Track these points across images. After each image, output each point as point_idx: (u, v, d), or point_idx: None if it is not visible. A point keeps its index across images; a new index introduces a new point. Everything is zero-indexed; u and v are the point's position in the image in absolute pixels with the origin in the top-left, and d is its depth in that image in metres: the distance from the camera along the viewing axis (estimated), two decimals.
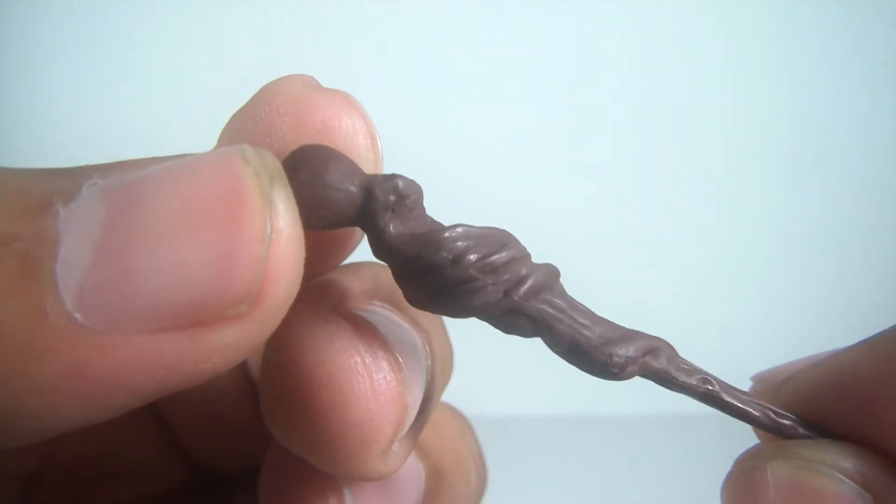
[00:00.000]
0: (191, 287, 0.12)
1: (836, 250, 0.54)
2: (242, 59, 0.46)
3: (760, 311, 0.55)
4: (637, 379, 0.15)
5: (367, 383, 0.15)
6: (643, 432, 0.50)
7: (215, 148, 0.15)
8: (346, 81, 0.16)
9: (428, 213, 0.15)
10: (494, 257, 0.14)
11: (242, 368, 0.21)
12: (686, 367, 0.15)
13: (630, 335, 0.14)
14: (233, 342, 0.12)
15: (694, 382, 0.15)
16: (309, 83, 0.15)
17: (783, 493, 0.14)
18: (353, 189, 0.14)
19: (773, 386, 0.16)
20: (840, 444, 0.14)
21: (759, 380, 0.17)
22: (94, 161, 0.14)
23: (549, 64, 0.51)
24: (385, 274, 0.17)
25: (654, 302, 0.52)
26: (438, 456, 0.20)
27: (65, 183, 0.12)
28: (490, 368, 0.44)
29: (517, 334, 0.15)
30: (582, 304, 0.15)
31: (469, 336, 0.20)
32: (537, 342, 0.15)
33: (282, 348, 0.15)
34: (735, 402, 0.15)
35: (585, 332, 0.14)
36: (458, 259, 0.14)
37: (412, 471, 0.19)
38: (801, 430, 0.15)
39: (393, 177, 0.14)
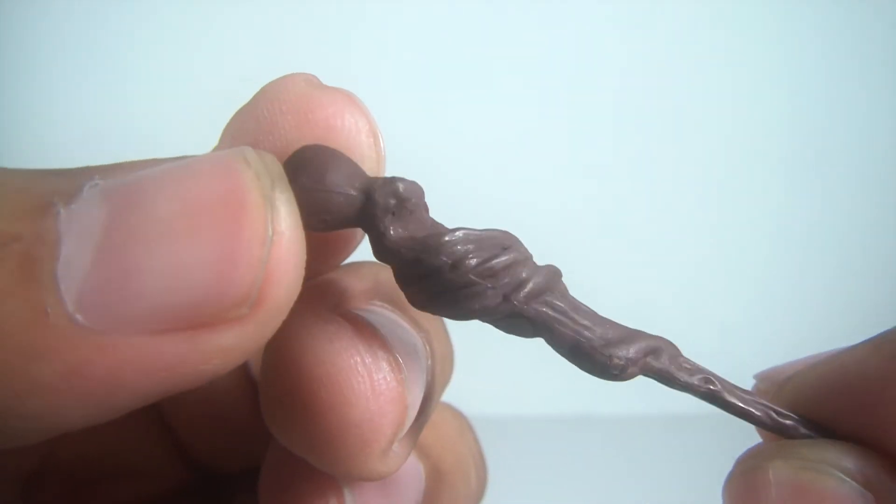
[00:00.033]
0: (191, 289, 0.12)
1: (838, 249, 0.54)
2: (243, 59, 0.46)
3: (764, 309, 0.55)
4: (638, 379, 0.15)
5: (367, 383, 0.15)
6: (643, 432, 0.50)
7: (217, 146, 0.16)
8: (348, 81, 0.16)
9: (431, 212, 0.15)
10: (494, 261, 0.14)
11: (243, 368, 0.21)
12: (688, 366, 0.15)
13: (632, 335, 0.14)
14: (233, 344, 0.12)
15: (696, 382, 0.15)
16: (311, 82, 0.15)
17: (784, 492, 0.14)
18: (354, 192, 0.14)
19: (776, 385, 0.16)
20: (842, 443, 0.14)
21: (761, 378, 0.17)
22: (95, 161, 0.14)
23: (550, 64, 0.51)
24: (385, 274, 0.17)
25: (657, 301, 0.52)
26: (439, 456, 0.20)
27: (66, 183, 0.12)
28: (490, 368, 0.44)
29: (519, 335, 0.15)
30: (584, 305, 0.15)
31: (469, 336, 0.20)
32: (537, 342, 0.15)
33: (282, 348, 0.15)
34: (737, 402, 0.15)
35: (586, 333, 0.14)
36: (457, 264, 0.14)
37: (412, 471, 0.19)
38: (802, 430, 0.15)
39: (393, 180, 0.14)
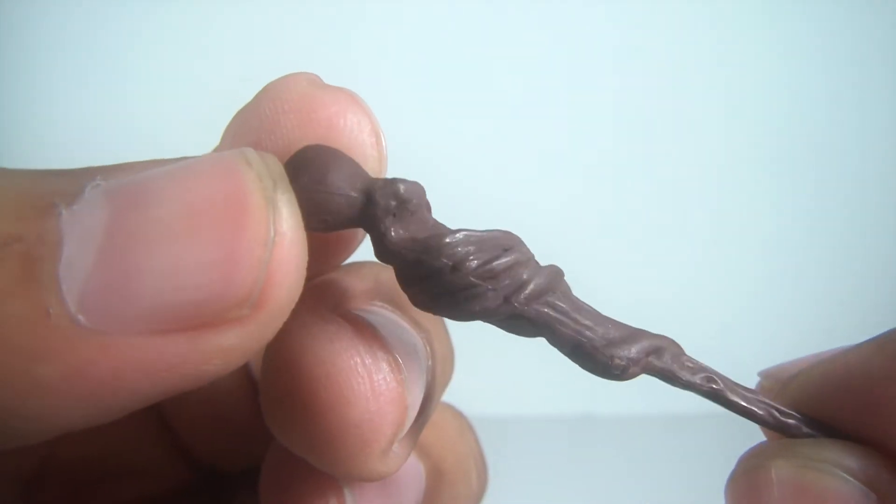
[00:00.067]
0: (193, 289, 0.12)
1: (842, 246, 0.54)
2: (245, 59, 0.46)
3: (769, 306, 0.55)
4: (639, 378, 0.15)
5: (366, 384, 0.15)
6: (643, 432, 0.50)
7: (219, 145, 0.16)
8: (350, 81, 0.16)
9: (433, 211, 0.14)
10: (495, 263, 0.14)
11: (244, 369, 0.21)
12: (691, 365, 0.15)
13: (634, 335, 0.14)
14: (234, 344, 0.12)
15: (698, 381, 0.15)
16: (314, 81, 0.15)
17: (787, 491, 0.14)
18: (354, 194, 0.14)
19: (780, 382, 0.16)
20: (844, 443, 0.14)
21: (766, 376, 0.17)
22: (96, 161, 0.14)
23: (552, 64, 0.51)
24: (386, 274, 0.17)
25: (661, 299, 0.52)
26: (439, 456, 0.20)
27: (68, 184, 0.12)
28: (490, 369, 0.44)
29: (521, 335, 0.15)
30: (586, 305, 0.15)
31: (470, 336, 0.20)
32: (537, 342, 0.15)
33: (282, 348, 0.15)
34: (739, 401, 0.15)
35: (588, 333, 0.14)
36: (457, 266, 0.14)
37: (413, 471, 0.19)
38: (805, 429, 0.15)
39: (394, 181, 0.14)
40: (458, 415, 0.22)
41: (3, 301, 0.11)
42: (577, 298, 0.15)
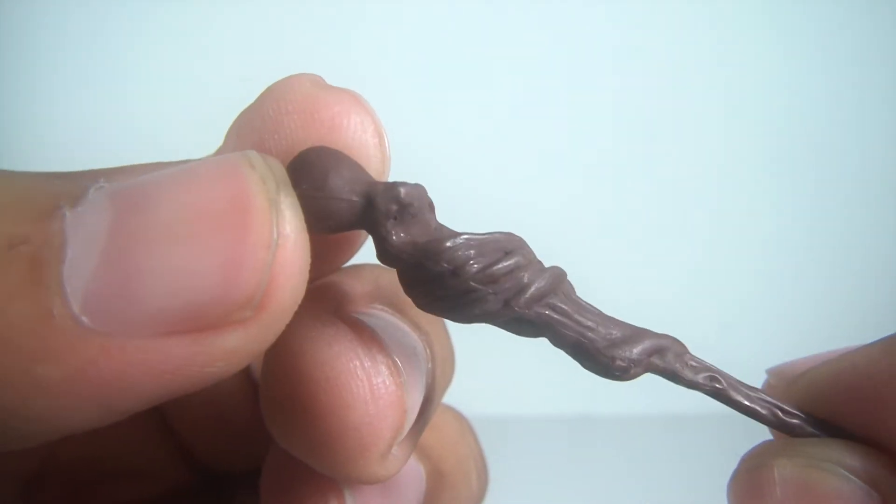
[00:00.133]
0: (196, 291, 0.12)
1: (846, 245, 0.54)
2: (247, 60, 0.46)
3: (776, 304, 0.55)
4: (640, 378, 0.15)
5: (366, 387, 0.15)
6: (643, 432, 0.50)
7: (222, 146, 0.16)
8: (352, 81, 0.16)
9: (436, 211, 0.14)
10: (495, 267, 0.14)
11: (245, 370, 0.21)
12: (694, 364, 0.15)
13: (636, 335, 0.14)
14: (237, 346, 0.12)
15: (701, 380, 0.15)
16: (317, 82, 0.15)
17: (790, 490, 0.14)
18: (355, 198, 0.14)
19: (787, 381, 0.16)
20: (848, 442, 0.14)
21: (773, 373, 0.17)
22: (97, 162, 0.14)
23: (553, 64, 0.51)
24: (386, 276, 0.17)
25: (666, 297, 0.52)
26: (439, 457, 0.20)
27: (72, 186, 0.12)
28: (490, 369, 0.44)
29: (523, 335, 0.15)
30: (589, 305, 0.15)
31: (470, 337, 0.20)
32: (537, 343, 0.15)
33: (282, 351, 0.15)
34: (742, 400, 0.15)
35: (590, 334, 0.14)
36: (457, 270, 0.14)
37: (413, 472, 0.19)
38: (809, 429, 0.15)
39: (394, 185, 0.14)
40: (459, 416, 0.22)
41: (8, 302, 0.11)
42: (579, 299, 0.15)
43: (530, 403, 0.52)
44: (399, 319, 0.16)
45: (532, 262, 0.14)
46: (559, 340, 0.14)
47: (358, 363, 0.15)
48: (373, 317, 0.16)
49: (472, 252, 0.14)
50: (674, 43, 0.51)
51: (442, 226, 0.14)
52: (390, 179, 0.15)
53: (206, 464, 0.22)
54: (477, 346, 0.24)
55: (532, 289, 0.14)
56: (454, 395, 0.20)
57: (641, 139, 0.52)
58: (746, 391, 0.15)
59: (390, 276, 0.15)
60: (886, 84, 0.52)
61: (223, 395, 0.21)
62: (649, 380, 0.15)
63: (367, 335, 0.15)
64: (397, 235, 0.14)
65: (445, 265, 0.14)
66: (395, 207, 0.14)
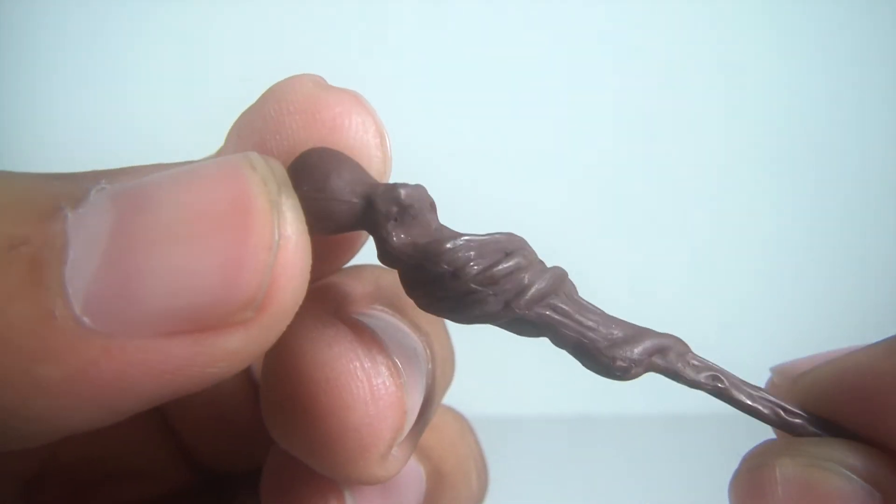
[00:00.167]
0: (197, 292, 0.12)
1: (848, 244, 0.54)
2: (248, 61, 0.46)
3: (780, 303, 0.55)
4: (640, 378, 0.15)
5: (365, 388, 0.15)
6: (643, 432, 0.50)
7: (223, 146, 0.16)
8: (354, 82, 0.16)
9: (438, 211, 0.14)
10: (496, 269, 0.14)
11: (246, 371, 0.21)
12: (696, 363, 0.15)
13: (638, 335, 0.14)
14: (239, 347, 0.12)
15: (702, 379, 0.15)
16: (318, 82, 0.15)
17: (791, 490, 0.14)
18: (355, 200, 0.14)
19: (790, 379, 0.16)
20: (850, 442, 0.14)
21: (777, 372, 0.17)
22: (97, 163, 0.14)
23: (554, 64, 0.51)
24: (387, 277, 0.17)
25: (669, 296, 0.52)
26: (440, 458, 0.20)
27: (73, 187, 0.12)
28: (490, 369, 0.44)
29: (524, 335, 0.15)
30: (591, 305, 0.15)
31: (470, 337, 0.20)
32: (538, 343, 0.15)
33: (282, 352, 0.15)
34: (744, 399, 0.15)
35: (590, 334, 0.14)
36: (457, 272, 0.14)
37: (413, 473, 0.19)
38: (811, 428, 0.15)
39: (395, 186, 0.14)
40: (459, 417, 0.22)
41: (9, 302, 0.11)
42: (581, 299, 0.15)
43: (530, 403, 0.52)
44: (399, 320, 0.16)
45: (533, 262, 0.14)
46: (560, 341, 0.14)
47: (358, 364, 0.15)
48: (373, 318, 0.16)
49: (472, 253, 0.14)
50: (674, 43, 0.51)
51: (443, 226, 0.14)
52: (392, 179, 0.15)
53: (206, 464, 0.22)
54: (477, 346, 0.24)
55: (532, 290, 0.14)
56: (454, 396, 0.20)
57: (642, 139, 0.52)
58: (749, 390, 0.15)
59: (391, 277, 0.15)
60: (886, 84, 0.52)
61: (224, 395, 0.21)
62: (650, 380, 0.15)
63: (367, 336, 0.15)
64: (398, 237, 0.14)
65: (446, 267, 0.14)
66: (395, 209, 0.14)
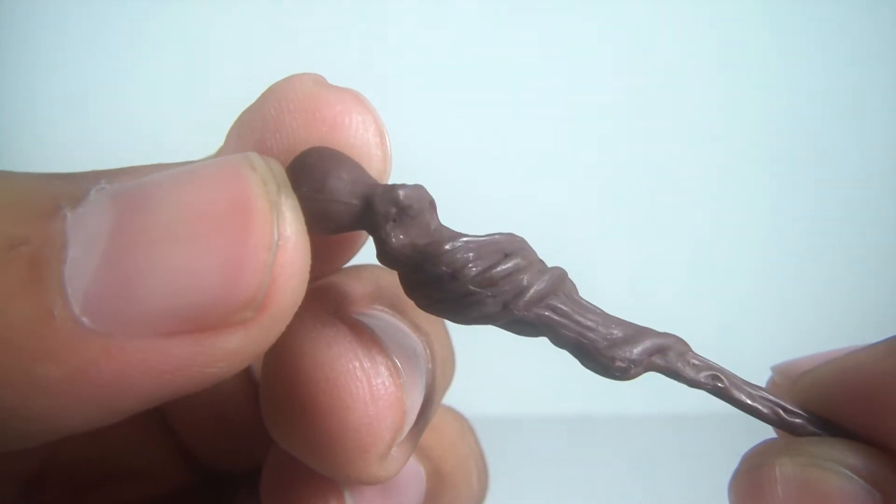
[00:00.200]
0: (197, 292, 0.12)
1: (849, 244, 0.54)
2: (248, 60, 0.46)
3: (782, 301, 0.55)
4: (640, 378, 0.15)
5: (365, 388, 0.15)
6: (643, 432, 0.50)
7: (223, 145, 0.16)
8: (354, 81, 0.16)
9: (438, 210, 0.14)
10: (495, 270, 0.14)
11: (246, 371, 0.21)
12: (696, 362, 0.15)
13: (638, 335, 0.14)
14: (238, 347, 0.12)
15: (702, 379, 0.15)
16: (319, 81, 0.15)
17: (791, 489, 0.14)
18: (354, 201, 0.14)
19: (791, 379, 0.16)
20: (850, 442, 0.14)
21: (778, 371, 0.17)
22: (97, 163, 0.14)
23: (555, 64, 0.51)
24: (386, 277, 0.17)
25: (671, 296, 0.52)
26: (440, 458, 0.20)
27: (73, 187, 0.12)
28: (490, 369, 0.44)
29: (524, 335, 0.15)
30: (591, 305, 0.15)
31: (470, 337, 0.20)
32: (537, 343, 0.15)
33: (282, 352, 0.15)
34: (745, 399, 0.15)
35: (590, 334, 0.14)
36: (456, 274, 0.14)
37: (413, 473, 0.19)
38: (811, 428, 0.15)
39: (393, 188, 0.14)
40: (459, 417, 0.22)
41: (8, 302, 0.11)
42: (581, 299, 0.15)
43: (530, 403, 0.52)
44: (399, 320, 0.16)
45: (532, 263, 0.14)
46: (560, 341, 0.14)
47: (357, 364, 0.15)
48: (373, 318, 0.16)
49: (470, 255, 0.14)
50: (674, 43, 0.51)
51: (442, 227, 0.14)
52: (392, 178, 0.15)
53: (206, 464, 0.22)
54: (477, 346, 0.24)
55: (531, 291, 0.14)
56: (454, 396, 0.20)
57: (642, 139, 0.52)
58: (749, 390, 0.15)
59: (390, 277, 0.15)
60: (886, 84, 0.52)
61: (224, 395, 0.21)
62: (650, 380, 0.15)
63: (366, 336, 0.15)
64: (396, 238, 0.14)
65: (444, 268, 0.14)
66: (394, 210, 0.14)
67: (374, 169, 0.15)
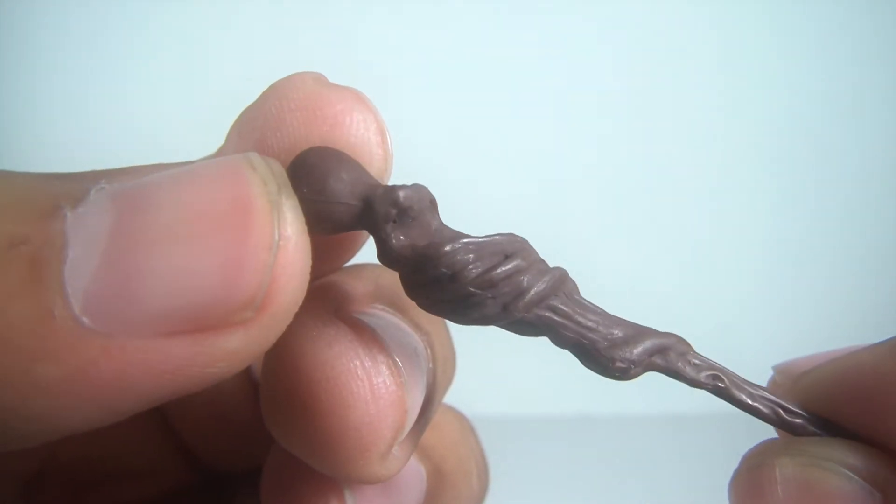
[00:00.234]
0: (197, 292, 0.12)
1: (850, 244, 0.54)
2: (249, 59, 0.46)
3: (783, 301, 0.55)
4: (640, 378, 0.15)
5: (366, 387, 0.15)
6: (643, 432, 0.51)
7: (224, 144, 0.16)
8: (355, 80, 0.16)
9: (440, 210, 0.14)
10: (495, 272, 0.14)
11: (246, 371, 0.21)
12: (697, 362, 0.15)
13: (639, 335, 0.14)
14: (238, 347, 0.12)
15: (703, 379, 0.15)
16: (320, 80, 0.15)
17: (791, 489, 0.14)
18: (354, 202, 0.14)
19: (792, 378, 0.16)
20: (850, 442, 0.14)
21: (779, 371, 0.17)
22: (97, 162, 0.14)
23: (555, 64, 0.51)
24: (387, 276, 0.17)
25: (671, 295, 0.52)
26: (440, 457, 0.20)
27: (73, 187, 0.12)
28: (491, 369, 0.44)
29: (525, 335, 0.15)
30: (592, 305, 0.15)
31: (471, 336, 0.20)
32: (537, 343, 0.15)
33: (282, 352, 0.15)
34: (745, 399, 0.15)
35: (590, 334, 0.14)
36: (456, 276, 0.13)
37: (414, 472, 0.19)
38: (811, 428, 0.15)
39: (393, 189, 0.14)
40: (460, 416, 0.22)
41: (8, 302, 0.11)
42: (581, 299, 0.15)
43: (530, 403, 0.52)
44: (400, 319, 0.16)
45: (533, 264, 0.14)
46: (560, 341, 0.14)
47: (358, 363, 0.15)
48: (373, 317, 0.16)
49: (471, 256, 0.14)
50: (674, 43, 0.51)
51: (444, 226, 0.14)
52: (392, 178, 0.15)
53: (207, 464, 0.22)
54: (477, 346, 0.24)
55: (531, 293, 0.14)
56: (455, 395, 0.20)
57: (643, 139, 0.52)
58: (749, 389, 0.15)
59: (391, 276, 0.15)
60: (886, 84, 0.52)
61: (224, 395, 0.21)
62: (650, 380, 0.15)
63: (367, 335, 0.15)
64: (397, 239, 0.14)
65: (444, 269, 0.14)
66: (394, 211, 0.14)
67: (374, 168, 0.15)
